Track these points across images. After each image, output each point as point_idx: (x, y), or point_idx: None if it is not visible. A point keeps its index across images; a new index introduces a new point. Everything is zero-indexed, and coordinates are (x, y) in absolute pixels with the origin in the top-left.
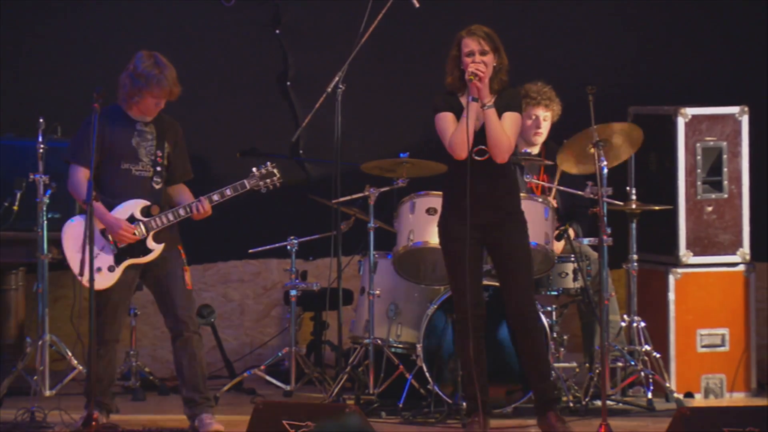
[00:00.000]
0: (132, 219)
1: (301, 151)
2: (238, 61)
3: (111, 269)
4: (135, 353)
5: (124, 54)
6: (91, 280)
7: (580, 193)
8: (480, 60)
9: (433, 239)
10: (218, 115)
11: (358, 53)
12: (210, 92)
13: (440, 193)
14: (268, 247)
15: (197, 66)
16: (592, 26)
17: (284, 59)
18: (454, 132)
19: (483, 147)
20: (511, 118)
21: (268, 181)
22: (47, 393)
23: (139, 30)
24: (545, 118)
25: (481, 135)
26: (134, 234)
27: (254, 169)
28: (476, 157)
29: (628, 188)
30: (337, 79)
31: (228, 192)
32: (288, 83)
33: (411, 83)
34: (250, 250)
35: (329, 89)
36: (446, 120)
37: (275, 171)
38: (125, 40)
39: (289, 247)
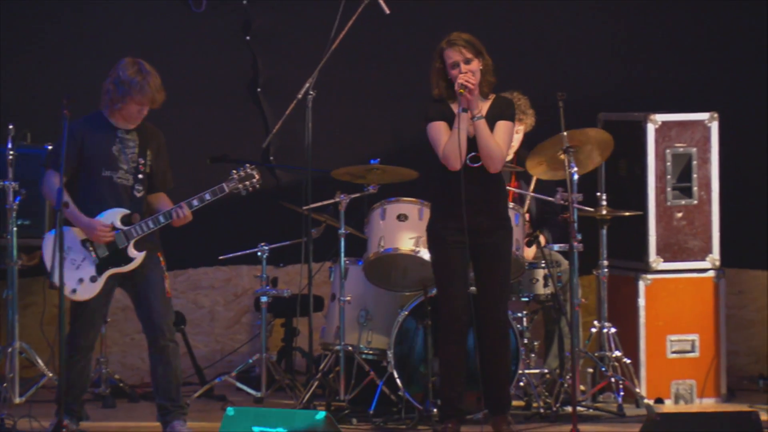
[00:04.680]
0: (112, 228)
1: (271, 158)
2: (208, 67)
3: (93, 279)
4: (105, 360)
5: (94, 60)
6: (61, 285)
7: (550, 199)
8: (466, 69)
9: (404, 245)
10: (188, 121)
11: (329, 60)
12: (180, 98)
13: (411, 199)
14: (238, 253)
15: (166, 72)
16: (562, 33)
17: (254, 65)
18: (447, 144)
19: (476, 154)
20: (504, 127)
21: (247, 183)
22: (17, 400)
23: (108, 36)
24: (518, 130)
25: (474, 141)
26: (110, 232)
27: (233, 172)
28: (470, 164)
29: (598, 194)
30: (307, 85)
31: (207, 196)
32: (258, 89)
33: (382, 89)
34: (221, 257)
35: (300, 95)
36: (439, 129)
37: (254, 173)
38: (95, 46)
39: (259, 254)
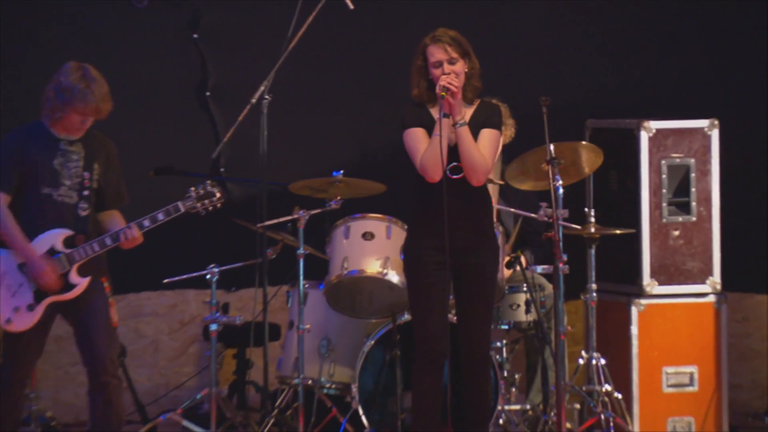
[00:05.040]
0: (53, 251)
1: (222, 169)
2: (151, 68)
3: (30, 308)
4: (35, 396)
5: (27, 61)
6: None
7: (532, 215)
8: (449, 70)
9: (370, 267)
10: (129, 128)
11: (287, 60)
12: (120, 103)
13: (378, 216)
14: (185, 276)
15: (105, 74)
16: (545, 32)
17: (203, 66)
18: (425, 152)
19: (458, 164)
20: (489, 135)
21: (206, 202)
22: None
23: (43, 34)
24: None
25: (456, 150)
26: (58, 276)
27: (191, 189)
28: (450, 175)
29: (586, 210)
30: (262, 88)
31: (160, 216)
32: (207, 93)
33: (346, 94)
34: (165, 280)
35: (254, 100)
36: (416, 136)
37: (216, 191)
38: (29, 45)
39: (208, 277)
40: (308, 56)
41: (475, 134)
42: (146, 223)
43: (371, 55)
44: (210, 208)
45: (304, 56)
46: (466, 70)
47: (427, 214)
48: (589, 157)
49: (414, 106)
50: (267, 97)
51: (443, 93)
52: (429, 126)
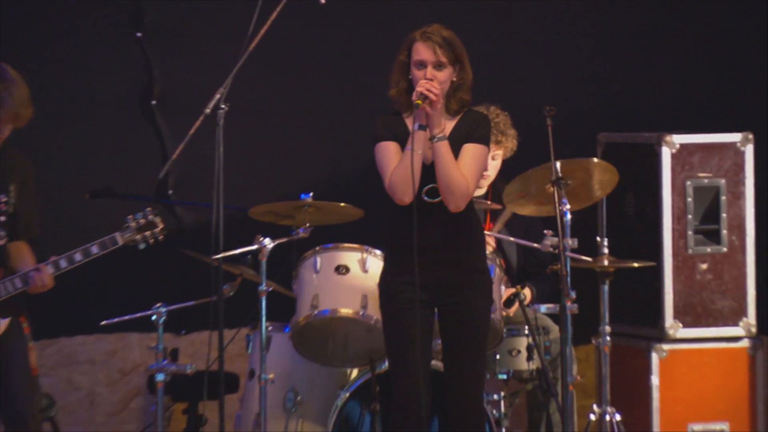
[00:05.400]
0: None
1: (170, 192)
2: (86, 72)
3: None
4: None
5: None
6: None
7: (535, 245)
8: (432, 75)
9: (345, 306)
10: (59, 143)
11: (247, 63)
12: (47, 112)
13: (354, 246)
14: (126, 317)
15: (30, 77)
16: (554, 35)
17: (148, 71)
18: (395, 169)
19: (435, 185)
20: (472, 152)
21: (147, 233)
22: None
23: None
24: (495, 156)
25: (433, 170)
26: None
27: (129, 219)
28: (427, 199)
29: (598, 239)
30: (218, 96)
31: (94, 250)
32: (153, 102)
33: (317, 103)
34: (103, 322)
35: (208, 110)
36: (388, 151)
37: (157, 221)
38: None
39: (154, 318)
40: (272, 59)
41: (457, 150)
42: (63, 263)
43: (348, 57)
44: (151, 240)
45: (267, 59)
46: (454, 79)
47: (402, 243)
48: (601, 177)
49: (389, 117)
50: (223, 106)
51: (419, 101)
52: (404, 139)
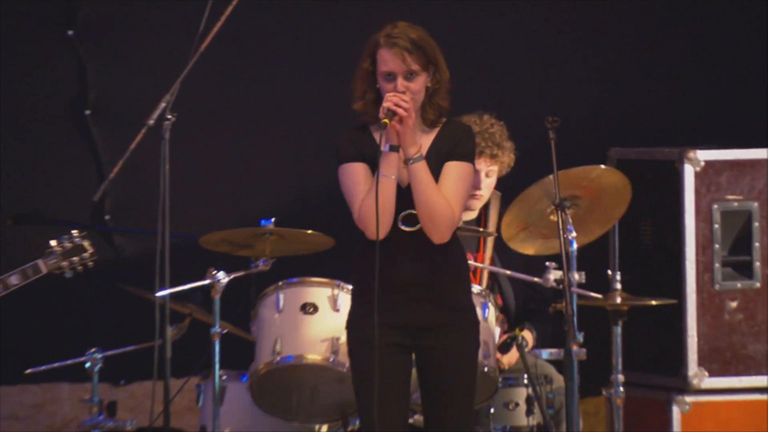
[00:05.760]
0: None
1: (107, 217)
2: (8, 77)
3: None
4: None
5: None
6: None
7: (536, 280)
8: (404, 87)
9: (313, 352)
10: None
11: (197, 67)
12: None
13: (323, 280)
14: (56, 364)
15: None
16: (560, 40)
17: (81, 75)
18: (365, 200)
19: (413, 211)
20: (457, 172)
21: (75, 259)
22: None
23: None
24: (489, 173)
25: (410, 193)
26: None
27: (52, 243)
28: (403, 227)
29: (609, 273)
30: (164, 105)
31: (13, 280)
32: (87, 112)
33: (280, 113)
34: (28, 371)
35: (151, 121)
36: (355, 175)
37: (86, 244)
38: None
39: (89, 365)
40: (227, 61)
41: (437, 170)
42: None
43: (317, 60)
44: (80, 267)
45: (221, 61)
46: (428, 84)
47: (372, 276)
48: (613, 199)
49: (354, 131)
50: (170, 116)
51: (386, 119)
52: (374, 158)
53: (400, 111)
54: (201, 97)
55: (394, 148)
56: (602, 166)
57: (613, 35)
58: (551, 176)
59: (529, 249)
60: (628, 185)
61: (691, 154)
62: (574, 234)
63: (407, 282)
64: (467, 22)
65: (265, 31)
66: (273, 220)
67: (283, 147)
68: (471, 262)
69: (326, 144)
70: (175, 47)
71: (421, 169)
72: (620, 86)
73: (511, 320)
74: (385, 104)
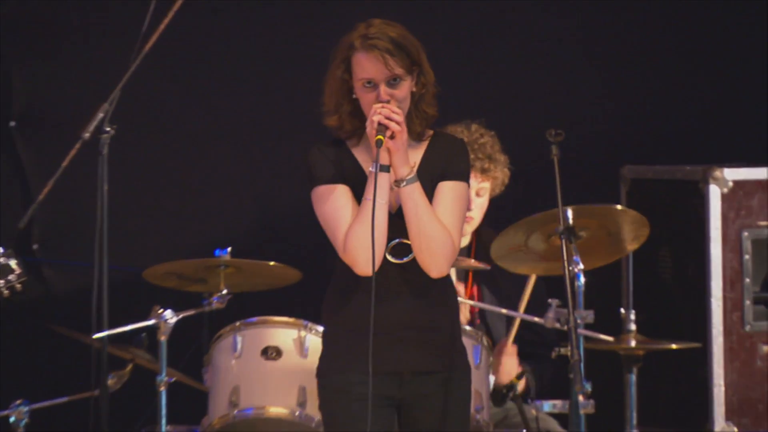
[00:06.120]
0: None
1: (35, 246)
2: None
3: None
4: None
5: None
6: None
7: (537, 320)
8: (388, 96)
9: (276, 404)
10: None
11: (140, 72)
12: None
13: (287, 320)
14: None
15: None
16: (569, 45)
17: (5, 82)
18: (353, 230)
19: (403, 240)
20: (454, 193)
21: (0, 282)
22: None
23: None
24: (480, 191)
25: (400, 219)
26: None
27: None
28: (391, 258)
29: (622, 311)
30: (101, 115)
31: None
32: (12, 123)
33: (237, 125)
34: None
35: (86, 134)
36: (336, 198)
37: (12, 264)
38: None
39: (13, 420)
40: (175, 66)
41: (429, 191)
42: None
43: (283, 64)
44: (6, 291)
45: (167, 66)
46: (414, 89)
47: (351, 315)
48: (627, 227)
49: (328, 147)
50: (108, 129)
51: (380, 136)
52: (355, 179)
53: (393, 125)
54: (145, 106)
55: (384, 168)
56: (618, 207)
57: (627, 39)
58: (555, 210)
59: (522, 269)
60: (646, 224)
61: (717, 173)
62: (581, 266)
63: (395, 322)
64: (460, 21)
65: (221, 30)
66: (229, 249)
67: (241, 165)
68: (460, 299)
69: (292, 162)
70: (115, 49)
71: (415, 191)
72: (635, 95)
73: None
74: (375, 118)
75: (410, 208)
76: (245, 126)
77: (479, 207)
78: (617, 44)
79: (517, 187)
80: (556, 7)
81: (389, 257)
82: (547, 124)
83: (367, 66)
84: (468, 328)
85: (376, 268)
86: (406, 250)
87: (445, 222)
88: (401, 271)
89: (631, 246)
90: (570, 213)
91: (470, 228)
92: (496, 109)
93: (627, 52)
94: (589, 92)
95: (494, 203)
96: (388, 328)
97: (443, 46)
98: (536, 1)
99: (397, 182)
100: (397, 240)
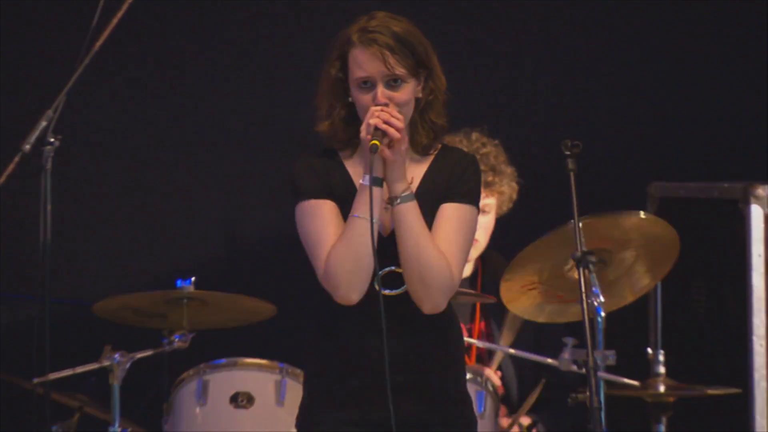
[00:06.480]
0: None
1: None
2: None
3: None
4: None
5: None
6: None
7: (550, 361)
8: (386, 98)
9: None
10: None
11: (88, 75)
12: None
13: (261, 362)
14: None
15: None
16: (587, 48)
17: None
18: (337, 249)
19: (397, 269)
20: (458, 217)
21: None
22: None
23: None
24: (485, 207)
25: (392, 244)
26: None
27: None
28: (383, 290)
29: (649, 351)
30: (44, 124)
31: None
32: None
33: (203, 136)
34: None
35: (27, 146)
36: (319, 214)
37: None
38: None
39: None
40: (130, 67)
41: (430, 213)
42: None
43: (249, 75)
44: None
45: (121, 67)
46: (419, 95)
47: (339, 357)
48: (654, 255)
49: (317, 158)
50: (52, 140)
51: (375, 141)
52: (344, 194)
53: (392, 131)
54: (94, 114)
55: (377, 182)
56: (641, 214)
57: (654, 38)
58: (570, 223)
59: (538, 315)
60: (676, 239)
61: (759, 191)
62: (601, 299)
63: (385, 365)
64: (472, 25)
65: (185, 27)
66: (193, 280)
67: (208, 182)
68: (466, 338)
69: (266, 179)
70: (59, 47)
71: (411, 212)
72: (663, 102)
73: (515, 411)
74: (371, 121)
75: (404, 230)
76: (212, 137)
77: (484, 227)
78: (642, 43)
79: (526, 208)
80: (576, 5)
81: (380, 288)
82: (562, 134)
83: (363, 63)
84: (470, 374)
85: (360, 296)
86: (400, 280)
87: (445, 250)
88: (394, 305)
89: (660, 269)
90: (582, 224)
91: (476, 252)
92: (504, 116)
93: (654, 52)
94: (610, 98)
95: (501, 225)
96: (376, 370)
97: (444, 44)
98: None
99: (391, 200)
100: (389, 268)
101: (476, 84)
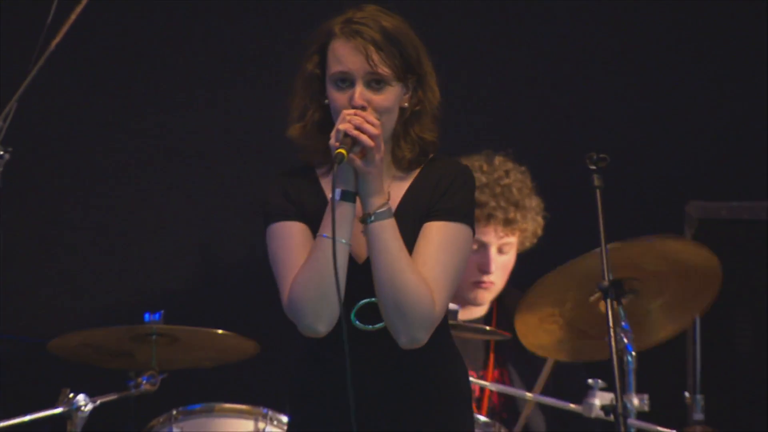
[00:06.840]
0: None
1: None
2: None
3: None
4: None
5: None
6: None
7: (573, 407)
8: (366, 99)
9: None
10: None
11: (43, 80)
12: None
13: (240, 407)
14: None
15: None
16: (616, 59)
17: None
18: (299, 275)
19: (372, 300)
20: (442, 236)
21: None
22: None
23: None
24: (504, 247)
25: (368, 270)
26: None
27: None
28: (359, 324)
29: (687, 395)
30: None
31: None
32: None
33: (170, 152)
34: None
35: None
36: (286, 237)
37: None
38: None
39: None
40: (91, 70)
41: (412, 234)
42: None
43: (222, 88)
44: None
45: (80, 71)
46: (405, 104)
47: (316, 394)
48: (692, 285)
49: (290, 176)
50: (2, 153)
51: (342, 150)
52: (317, 215)
53: (364, 138)
54: (50, 123)
55: (347, 196)
56: (677, 239)
57: (695, 51)
58: (596, 249)
59: (558, 353)
60: (718, 267)
61: None
62: (631, 335)
63: (366, 411)
64: (487, 31)
65: (158, 27)
66: (162, 313)
67: (180, 203)
68: (473, 380)
69: (243, 201)
70: (13, 47)
71: (386, 231)
72: (701, 117)
73: None
74: (341, 126)
75: (378, 252)
76: (183, 153)
77: (502, 268)
78: (681, 48)
79: (548, 232)
80: (606, 15)
81: (357, 323)
82: (587, 148)
83: (343, 56)
84: (482, 419)
85: (329, 328)
86: (377, 315)
87: (426, 275)
88: (374, 341)
89: (699, 301)
90: (609, 248)
91: (491, 296)
92: (525, 130)
93: (695, 59)
94: (644, 113)
95: (524, 258)
96: (365, 407)
97: (462, 54)
98: (584, 10)
99: (364, 217)
100: (367, 299)
101: (494, 95)
